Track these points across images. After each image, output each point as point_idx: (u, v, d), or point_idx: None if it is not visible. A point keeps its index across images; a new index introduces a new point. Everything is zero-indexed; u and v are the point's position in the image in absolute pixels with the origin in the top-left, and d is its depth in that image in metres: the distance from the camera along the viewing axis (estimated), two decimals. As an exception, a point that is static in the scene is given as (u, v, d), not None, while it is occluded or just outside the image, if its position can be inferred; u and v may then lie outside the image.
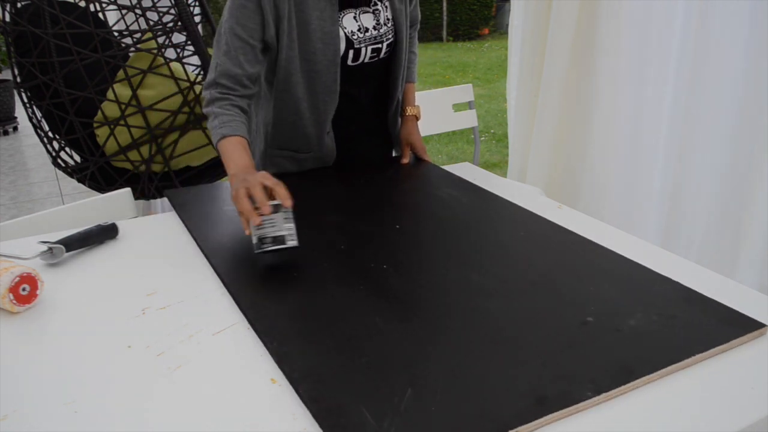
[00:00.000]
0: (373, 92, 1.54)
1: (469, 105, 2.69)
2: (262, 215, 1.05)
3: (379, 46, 1.43)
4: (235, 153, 1.23)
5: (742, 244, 2.02)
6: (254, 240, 1.07)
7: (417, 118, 1.64)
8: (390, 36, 1.44)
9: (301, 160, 1.52)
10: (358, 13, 1.39)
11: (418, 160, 1.62)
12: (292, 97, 1.40)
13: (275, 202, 1.07)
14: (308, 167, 1.53)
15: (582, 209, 2.04)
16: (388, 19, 1.43)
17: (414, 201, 1.37)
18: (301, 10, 1.31)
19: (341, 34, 1.37)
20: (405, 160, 1.60)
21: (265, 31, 1.30)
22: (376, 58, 1.45)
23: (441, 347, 0.84)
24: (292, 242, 1.07)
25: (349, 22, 1.38)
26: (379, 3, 1.42)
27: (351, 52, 1.40)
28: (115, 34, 2.35)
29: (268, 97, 1.44)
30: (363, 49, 1.41)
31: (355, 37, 1.38)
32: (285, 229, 1.06)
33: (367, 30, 1.39)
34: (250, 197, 1.07)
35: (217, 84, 1.31)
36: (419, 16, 1.63)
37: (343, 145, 1.53)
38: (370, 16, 1.40)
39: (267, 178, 1.10)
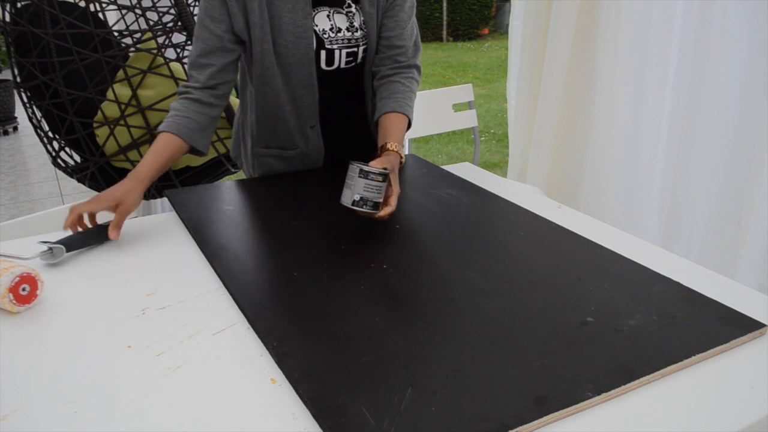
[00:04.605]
0: (353, 97, 1.52)
1: (469, 105, 2.70)
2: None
3: (355, 50, 1.41)
4: (144, 159, 1.27)
5: (742, 244, 2.02)
6: (355, 196, 1.15)
7: (401, 157, 1.32)
8: (365, 41, 1.42)
9: (289, 159, 1.51)
10: (331, 12, 1.37)
11: (421, 163, 1.61)
12: (272, 90, 1.40)
13: (369, 169, 1.14)
14: (296, 167, 1.52)
15: (582, 209, 2.04)
16: (364, 24, 1.41)
17: (414, 201, 1.37)
18: (272, 3, 1.32)
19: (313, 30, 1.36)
20: (381, 213, 1.19)
21: (232, 22, 1.31)
22: (353, 63, 1.44)
23: (441, 347, 0.84)
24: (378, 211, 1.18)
25: (321, 20, 1.37)
26: (353, 5, 1.40)
27: (323, 54, 1.38)
28: (115, 34, 2.34)
29: (252, 93, 1.43)
30: (337, 52, 1.39)
31: (326, 36, 1.36)
32: (380, 198, 1.17)
33: (339, 30, 1.38)
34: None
35: (188, 74, 1.36)
36: (413, 46, 1.46)
37: (330, 149, 1.52)
38: (344, 17, 1.39)
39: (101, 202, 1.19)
